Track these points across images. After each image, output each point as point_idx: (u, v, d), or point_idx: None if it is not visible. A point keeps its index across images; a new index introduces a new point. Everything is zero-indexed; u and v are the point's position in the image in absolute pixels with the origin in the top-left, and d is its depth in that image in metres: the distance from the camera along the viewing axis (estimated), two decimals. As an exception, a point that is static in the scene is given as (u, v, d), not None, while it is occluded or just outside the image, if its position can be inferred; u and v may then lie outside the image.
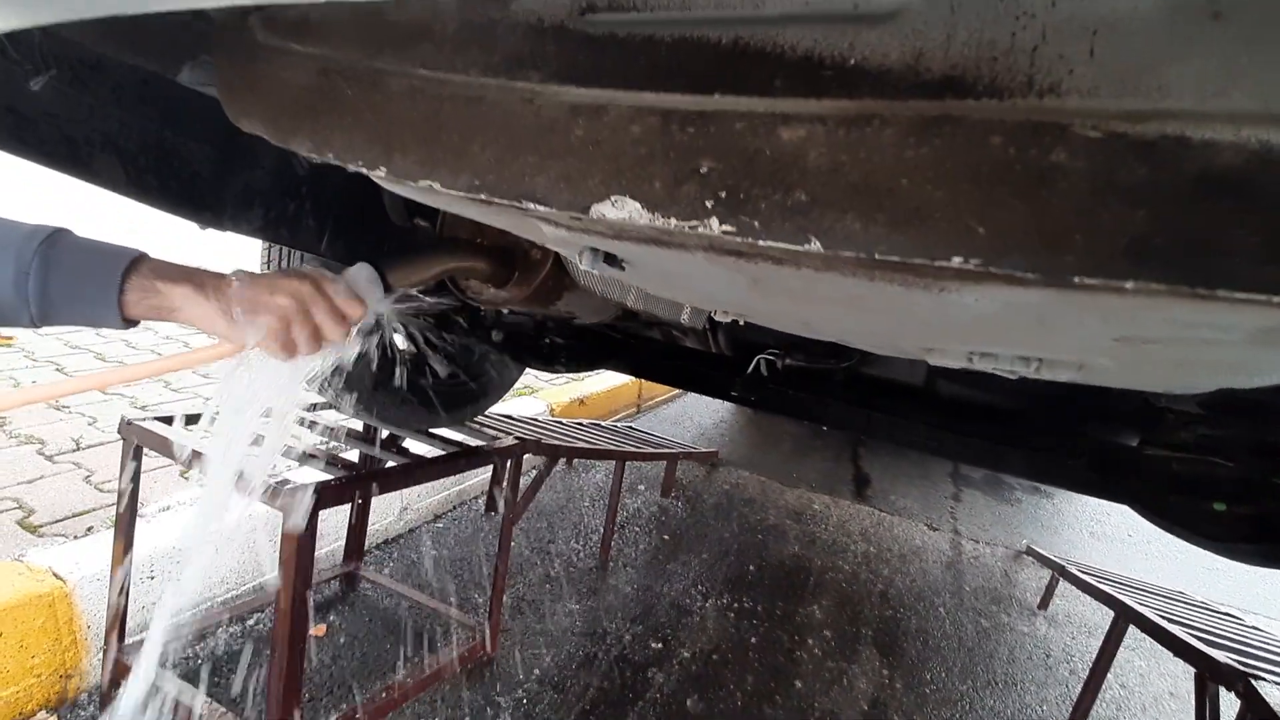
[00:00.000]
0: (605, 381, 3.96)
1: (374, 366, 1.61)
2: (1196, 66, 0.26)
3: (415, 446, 1.83)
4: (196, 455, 1.29)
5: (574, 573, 2.36)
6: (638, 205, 0.37)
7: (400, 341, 1.71)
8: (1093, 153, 0.30)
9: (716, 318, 1.02)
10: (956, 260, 0.32)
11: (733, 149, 0.35)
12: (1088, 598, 2.20)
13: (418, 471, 1.60)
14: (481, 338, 1.60)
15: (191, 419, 1.55)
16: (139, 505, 1.50)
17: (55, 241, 0.60)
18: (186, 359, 0.76)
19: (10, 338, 3.06)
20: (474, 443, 1.81)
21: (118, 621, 1.48)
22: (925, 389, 1.54)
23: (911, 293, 0.39)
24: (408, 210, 1.29)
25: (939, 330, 0.54)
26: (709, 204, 0.36)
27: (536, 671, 1.83)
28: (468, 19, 0.40)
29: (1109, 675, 1.86)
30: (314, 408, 1.86)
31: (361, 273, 0.81)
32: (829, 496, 3.45)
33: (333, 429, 1.76)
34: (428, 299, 1.23)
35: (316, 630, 1.88)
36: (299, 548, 1.26)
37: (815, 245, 0.34)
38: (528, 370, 2.30)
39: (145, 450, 1.46)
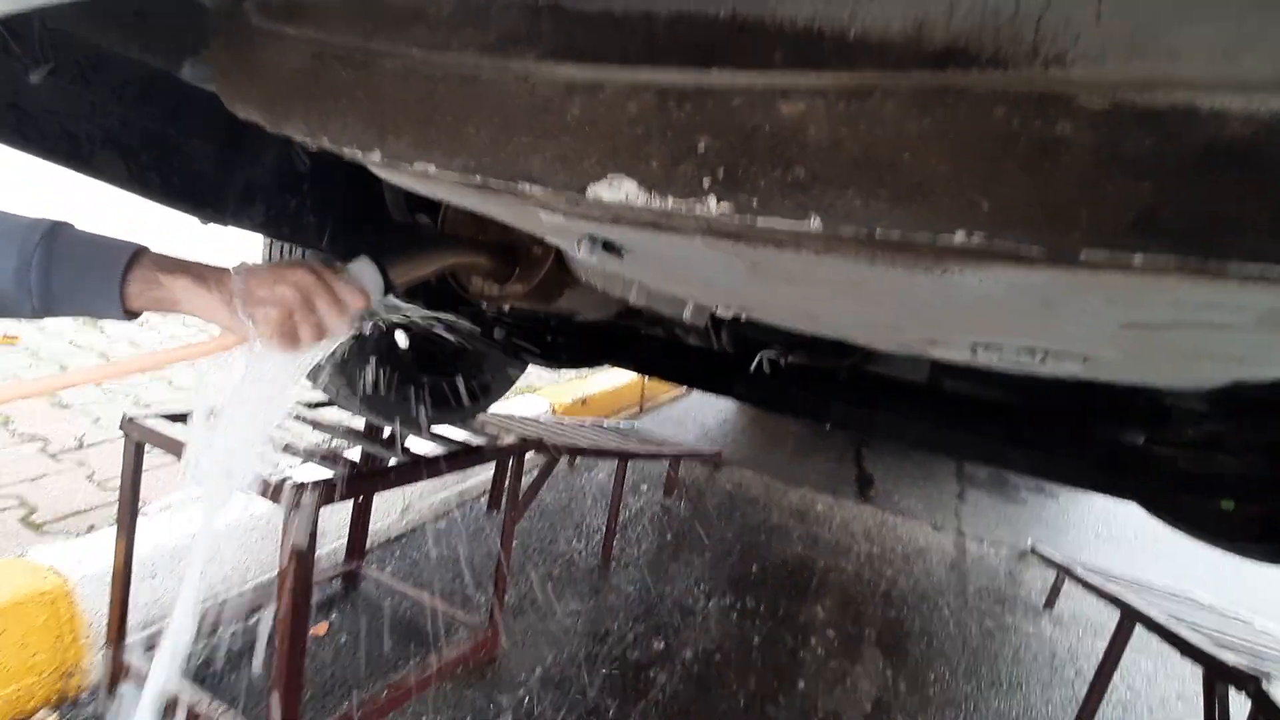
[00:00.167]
0: (608, 381, 3.95)
1: (376, 364, 1.61)
2: (1206, 30, 0.26)
3: (417, 445, 1.82)
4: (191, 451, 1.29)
5: (576, 572, 2.35)
6: (634, 185, 0.36)
7: (402, 340, 1.71)
8: (1098, 124, 0.29)
9: (718, 314, 1.01)
10: (960, 235, 0.31)
11: (731, 125, 0.35)
12: (1093, 598, 2.19)
13: (419, 469, 1.60)
14: (483, 335, 1.59)
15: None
16: (141, 503, 1.50)
17: (57, 234, 0.60)
18: (188, 351, 0.76)
19: (15, 336, 3.07)
20: (476, 441, 1.81)
21: (119, 620, 1.48)
22: (929, 386, 1.53)
23: (913, 275, 0.38)
24: (409, 205, 1.29)
25: (942, 318, 0.53)
26: (707, 182, 0.35)
27: (539, 671, 1.83)
28: (464, -1, 0.39)
29: (1115, 677, 1.85)
30: (315, 406, 1.86)
31: (362, 268, 0.81)
32: (832, 496, 3.44)
33: (334, 427, 1.76)
34: (417, 311, 1.22)
35: (318, 629, 1.87)
36: (301, 546, 1.25)
37: (815, 223, 0.33)
38: (530, 369, 2.30)
39: (147, 448, 1.46)
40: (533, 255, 1.20)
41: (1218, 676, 1.40)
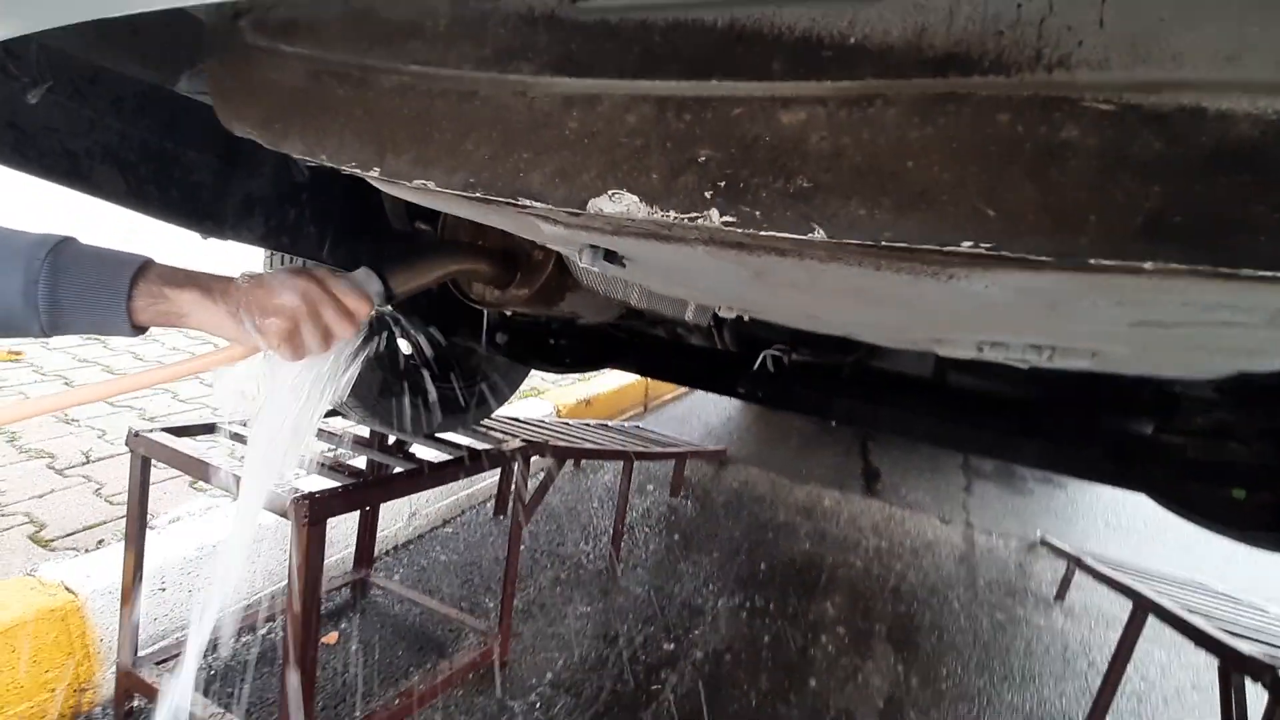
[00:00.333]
0: (611, 381, 3.95)
1: (380, 373, 1.61)
2: (1209, 32, 0.25)
3: (422, 451, 1.82)
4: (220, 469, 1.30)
5: (584, 574, 2.35)
6: (635, 199, 0.36)
7: (405, 347, 1.71)
8: (1105, 127, 0.29)
9: (721, 314, 1.01)
10: (966, 245, 0.31)
11: (731, 136, 0.34)
12: (1105, 589, 2.18)
13: (426, 477, 1.60)
14: (486, 341, 1.59)
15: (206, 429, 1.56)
16: (149, 517, 1.50)
17: (62, 250, 0.60)
18: (197, 364, 0.76)
19: (19, 352, 3.08)
20: (481, 446, 1.81)
21: (130, 634, 1.48)
22: (934, 381, 1.52)
23: (919, 281, 0.37)
24: (408, 214, 1.28)
25: (948, 320, 0.52)
26: (708, 194, 0.35)
27: (549, 675, 1.83)
28: (458, 13, 0.39)
29: (1129, 668, 1.84)
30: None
31: (363, 278, 0.81)
32: (839, 492, 3.43)
33: (339, 435, 1.76)
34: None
35: (328, 638, 1.87)
36: (309, 556, 1.25)
37: (819, 234, 0.33)
38: (534, 371, 2.29)
39: (154, 462, 1.46)
40: (533, 260, 1.20)
41: (1233, 667, 1.39)
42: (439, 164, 0.41)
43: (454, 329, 1.56)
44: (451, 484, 2.48)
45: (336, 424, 1.84)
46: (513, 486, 1.84)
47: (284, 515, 1.27)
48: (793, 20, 0.32)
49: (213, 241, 1.14)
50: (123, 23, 0.73)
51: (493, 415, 2.11)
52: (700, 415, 4.47)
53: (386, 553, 2.31)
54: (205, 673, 1.65)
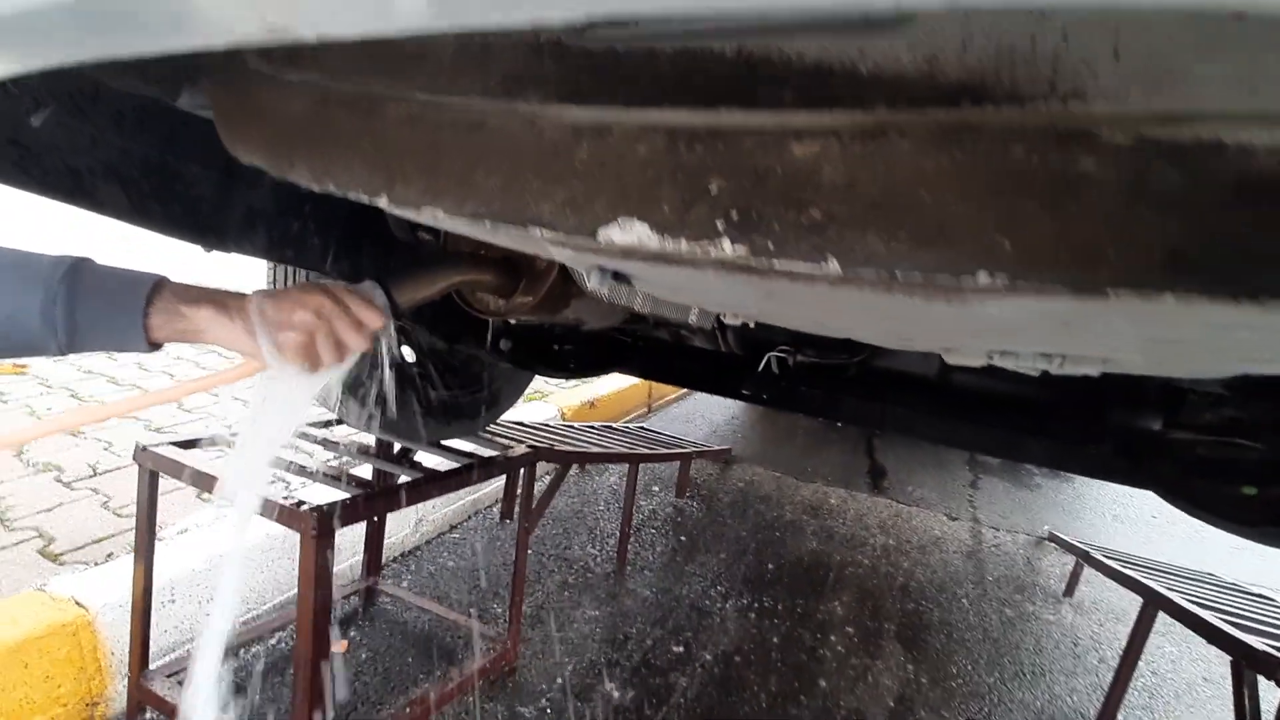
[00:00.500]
0: (615, 383, 3.95)
1: (384, 381, 1.61)
2: (1225, 64, 0.25)
3: (428, 459, 1.82)
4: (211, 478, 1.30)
5: (592, 578, 2.35)
6: (646, 228, 0.36)
7: (409, 355, 1.71)
8: (1122, 160, 0.28)
9: (725, 320, 1.01)
10: (983, 277, 0.30)
11: (742, 167, 0.34)
12: (1114, 583, 2.17)
13: (433, 485, 1.60)
14: (490, 348, 1.59)
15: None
16: (157, 528, 1.51)
17: (79, 270, 0.61)
18: (213, 380, 0.76)
19: (24, 365, 3.08)
20: (487, 453, 1.81)
21: (141, 648, 1.48)
22: (940, 380, 1.52)
23: (932, 304, 0.37)
24: (411, 225, 1.28)
25: (958, 333, 0.52)
26: (720, 225, 0.35)
27: (559, 680, 1.83)
28: (464, 40, 0.39)
29: (1139, 662, 1.84)
30: (324, 424, 1.87)
31: (368, 291, 0.81)
32: (845, 490, 3.43)
33: (343, 445, 1.76)
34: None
35: (338, 646, 1.88)
36: (318, 566, 1.26)
37: (833, 265, 0.33)
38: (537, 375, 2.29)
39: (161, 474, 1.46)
40: (537, 269, 1.20)
41: (1246, 664, 1.39)
42: (448, 193, 0.41)
43: (458, 337, 1.56)
44: (457, 490, 2.49)
45: (340, 432, 1.84)
46: (519, 493, 1.84)
47: (293, 527, 1.27)
48: (802, 49, 0.31)
49: (213, 255, 1.14)
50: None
51: (497, 420, 2.12)
52: (704, 414, 4.47)
53: (394, 559, 2.32)
54: (216, 684, 1.65)
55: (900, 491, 3.51)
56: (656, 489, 3.15)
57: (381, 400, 1.61)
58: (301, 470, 1.50)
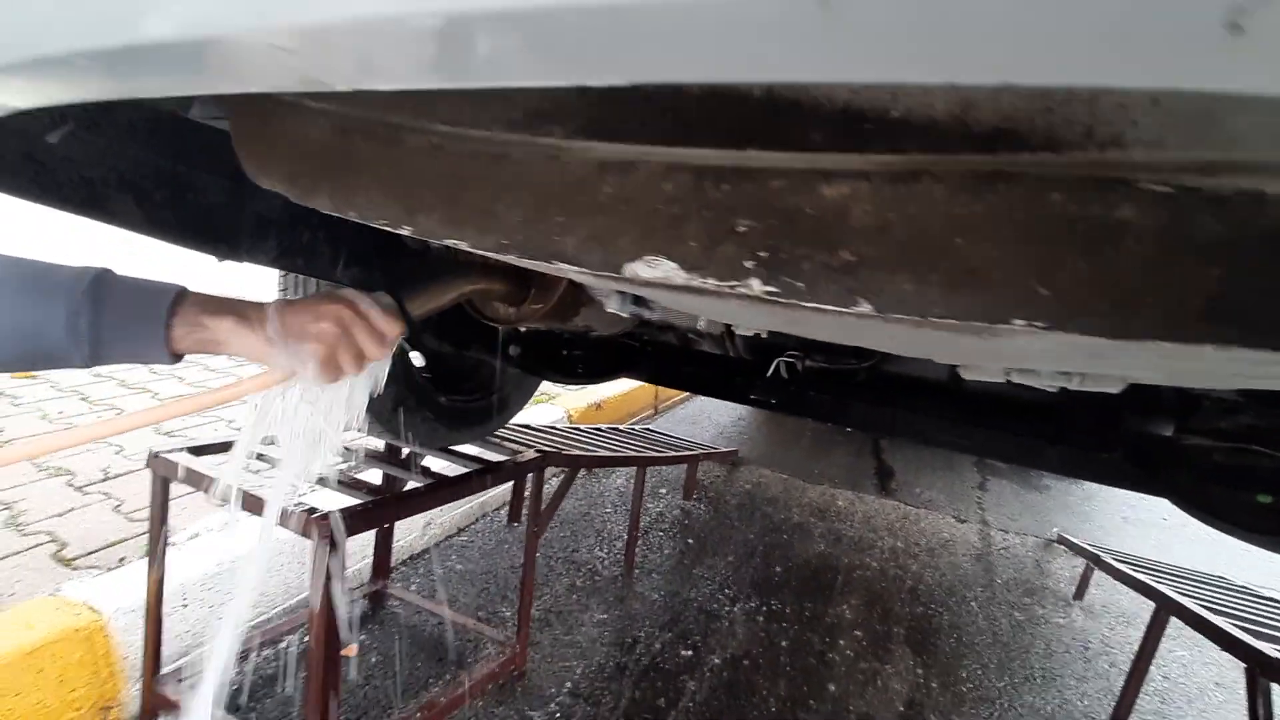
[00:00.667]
0: (622, 385, 3.95)
1: (395, 387, 1.61)
2: (1265, 114, 0.24)
3: (436, 463, 1.83)
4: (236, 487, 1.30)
5: (600, 581, 2.35)
6: (674, 265, 0.36)
7: (419, 361, 1.71)
8: (1161, 208, 0.28)
9: (737, 332, 1.00)
10: (1018, 323, 0.30)
11: (771, 207, 0.34)
12: (1124, 586, 2.16)
13: (444, 491, 1.60)
14: (499, 354, 1.59)
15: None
16: (169, 533, 1.51)
17: (102, 282, 0.61)
18: (234, 390, 0.76)
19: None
20: (496, 457, 1.81)
21: (153, 652, 1.49)
22: (951, 385, 1.51)
23: (960, 337, 0.37)
24: (421, 234, 1.28)
25: (979, 356, 0.52)
26: (749, 264, 0.34)
27: (568, 684, 1.83)
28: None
29: (1150, 666, 1.83)
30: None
31: (381, 302, 0.81)
32: (852, 492, 3.42)
33: (352, 449, 1.77)
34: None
35: (348, 650, 1.89)
36: (331, 573, 1.26)
37: (865, 307, 0.32)
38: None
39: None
40: (548, 278, 1.20)
41: (1260, 671, 1.38)
42: (470, 224, 0.41)
43: (468, 344, 1.57)
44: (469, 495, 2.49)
45: (347, 437, 1.84)
46: (527, 496, 1.84)
47: (304, 534, 1.27)
48: (830, 90, 0.31)
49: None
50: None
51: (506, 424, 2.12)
52: (711, 416, 4.47)
53: (402, 563, 2.32)
54: (226, 687, 1.66)
55: (908, 493, 3.50)
56: (664, 491, 3.15)
57: (392, 406, 1.62)
58: (308, 476, 1.50)
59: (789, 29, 0.15)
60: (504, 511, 2.73)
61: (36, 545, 1.81)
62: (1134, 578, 1.98)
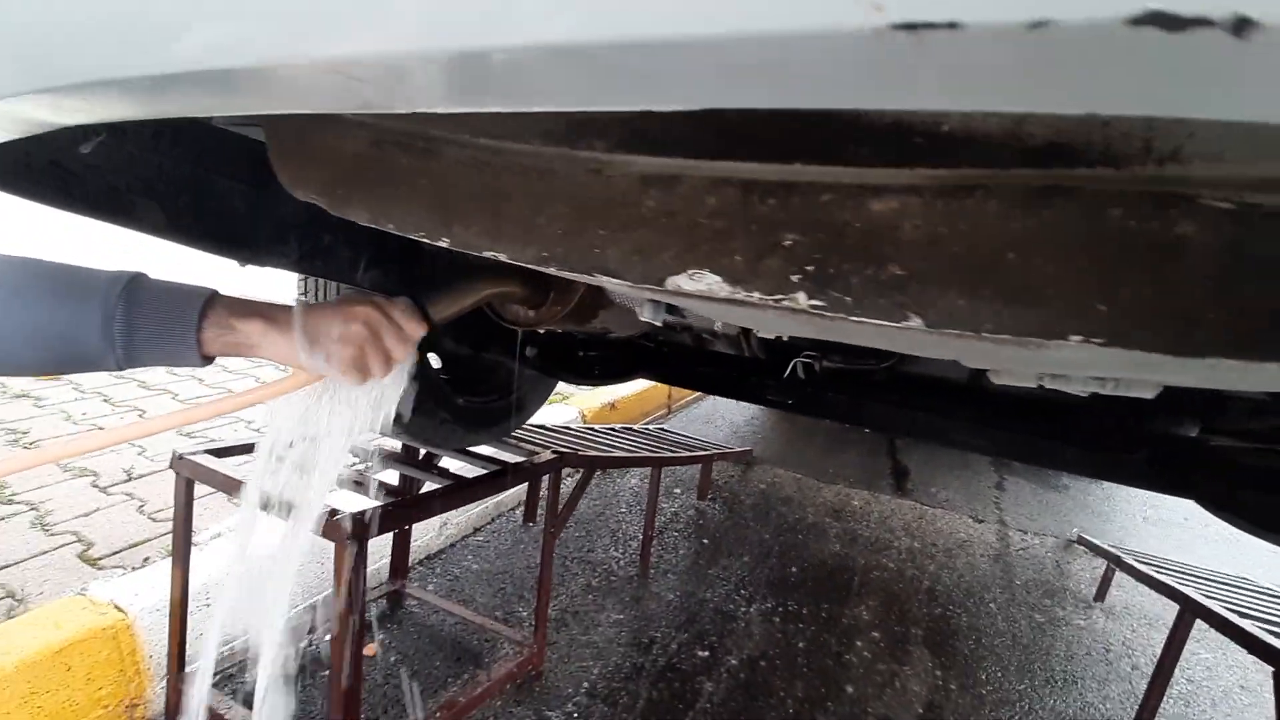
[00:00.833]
0: (636, 384, 3.95)
1: (413, 388, 1.62)
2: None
3: (453, 464, 1.84)
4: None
5: (615, 581, 2.35)
6: (717, 279, 0.36)
7: (436, 362, 1.72)
8: (1223, 224, 0.28)
9: (760, 335, 1.00)
10: (1075, 339, 0.30)
11: (819, 221, 0.34)
12: (1146, 587, 2.14)
13: (464, 492, 1.61)
14: (517, 356, 1.60)
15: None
16: (192, 533, 1.53)
17: (136, 286, 0.62)
18: (265, 392, 0.77)
19: (58, 371, 3.15)
20: (512, 458, 1.82)
21: (178, 650, 1.52)
22: (971, 385, 1.50)
23: (1002, 347, 0.37)
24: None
25: (1017, 364, 0.51)
26: (795, 278, 0.34)
27: (585, 685, 1.84)
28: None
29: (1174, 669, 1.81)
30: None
31: (404, 306, 0.82)
32: (868, 492, 3.40)
33: (370, 451, 1.78)
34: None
35: (368, 650, 1.90)
36: (352, 575, 1.27)
37: (915, 322, 0.32)
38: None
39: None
40: (566, 281, 1.20)
41: (1287, 675, 1.36)
42: (510, 237, 0.41)
43: (486, 346, 1.57)
44: (487, 497, 2.50)
45: (364, 438, 1.86)
46: (545, 497, 1.85)
47: (329, 537, 1.29)
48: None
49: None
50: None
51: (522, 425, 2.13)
52: (725, 415, 4.46)
53: (419, 562, 2.34)
54: (246, 685, 1.68)
55: (924, 493, 3.48)
56: (678, 491, 3.15)
57: (411, 408, 1.63)
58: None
59: (882, 64, 0.15)
60: (519, 511, 2.74)
61: (63, 545, 1.84)
62: (1157, 579, 1.95)
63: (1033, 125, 0.28)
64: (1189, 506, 3.51)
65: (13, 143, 0.62)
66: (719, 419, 4.39)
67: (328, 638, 1.36)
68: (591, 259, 0.39)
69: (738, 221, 0.35)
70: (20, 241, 4.59)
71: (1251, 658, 1.55)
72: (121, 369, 0.63)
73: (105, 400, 2.89)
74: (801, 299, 0.34)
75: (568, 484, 2.28)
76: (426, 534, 2.38)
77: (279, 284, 1.36)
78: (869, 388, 1.59)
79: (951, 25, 0.14)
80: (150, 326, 0.62)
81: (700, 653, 2.02)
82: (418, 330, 0.77)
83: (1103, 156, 0.28)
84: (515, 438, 2.03)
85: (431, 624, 2.04)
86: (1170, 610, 1.81)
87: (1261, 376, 0.33)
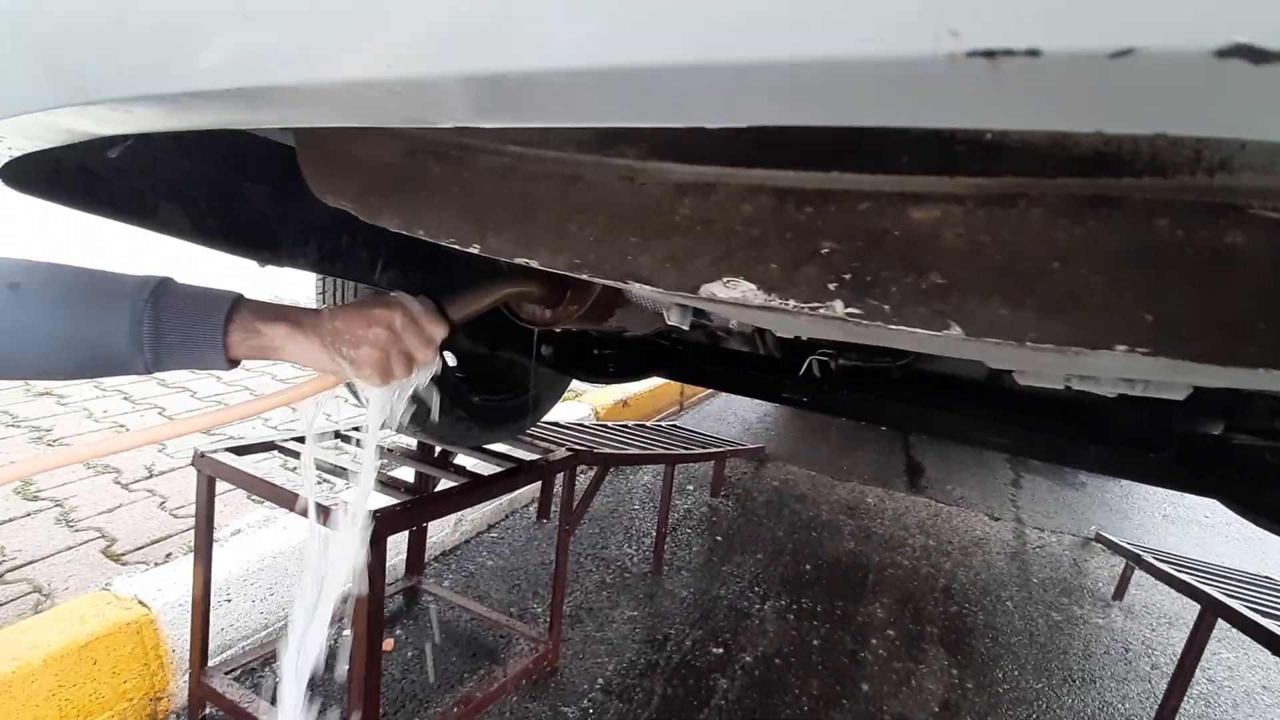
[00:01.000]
0: (648, 381, 3.96)
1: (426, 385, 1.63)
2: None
3: (468, 461, 1.85)
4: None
5: (629, 578, 2.36)
6: (753, 287, 0.36)
7: (452, 361, 1.73)
8: (1274, 234, 0.27)
9: (779, 334, 0.99)
10: (1120, 349, 0.30)
11: (857, 229, 0.33)
12: (1165, 586, 2.12)
13: (481, 490, 1.62)
14: (532, 354, 1.60)
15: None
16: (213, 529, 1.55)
17: (164, 290, 0.62)
18: (291, 394, 0.78)
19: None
20: (527, 456, 1.83)
21: (200, 645, 1.54)
22: (989, 383, 1.49)
23: (1040, 355, 0.36)
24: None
25: (1048, 367, 0.51)
26: (832, 286, 0.34)
27: (600, 681, 1.85)
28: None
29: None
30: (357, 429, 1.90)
31: (425, 306, 0.82)
32: (882, 489, 3.39)
33: (387, 449, 1.79)
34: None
35: (385, 645, 1.92)
36: (372, 572, 1.29)
37: (955, 331, 0.32)
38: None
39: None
40: (583, 280, 1.20)
41: (1311, 677, 1.34)
42: (542, 244, 0.41)
43: (502, 344, 1.58)
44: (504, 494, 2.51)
45: (383, 437, 1.87)
46: (559, 494, 1.86)
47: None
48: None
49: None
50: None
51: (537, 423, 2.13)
52: (737, 412, 4.46)
53: (434, 559, 2.36)
54: (269, 680, 1.70)
55: (939, 490, 3.46)
56: (691, 488, 3.15)
57: (427, 406, 1.64)
58: (343, 472, 1.53)
59: (953, 89, 0.15)
60: (533, 508, 2.75)
61: (87, 541, 1.87)
62: (1177, 578, 1.93)
63: (1079, 135, 0.28)
64: (1209, 504, 3.47)
65: (47, 150, 0.63)
66: (731, 415, 4.38)
67: (345, 633, 1.37)
68: (625, 266, 0.39)
69: (773, 229, 0.35)
70: (26, 243, 4.65)
71: (1275, 658, 1.53)
72: (150, 372, 0.64)
73: (125, 398, 2.93)
74: (838, 307, 0.34)
75: (581, 481, 2.29)
76: (442, 530, 2.40)
77: (296, 283, 1.37)
78: (886, 385, 1.58)
79: (1032, 53, 0.14)
80: (178, 331, 0.63)
81: (715, 649, 2.02)
82: (439, 331, 0.77)
83: (1150, 166, 0.28)
84: (529, 435, 2.04)
85: (447, 620, 2.06)
86: (1190, 609, 1.79)
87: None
